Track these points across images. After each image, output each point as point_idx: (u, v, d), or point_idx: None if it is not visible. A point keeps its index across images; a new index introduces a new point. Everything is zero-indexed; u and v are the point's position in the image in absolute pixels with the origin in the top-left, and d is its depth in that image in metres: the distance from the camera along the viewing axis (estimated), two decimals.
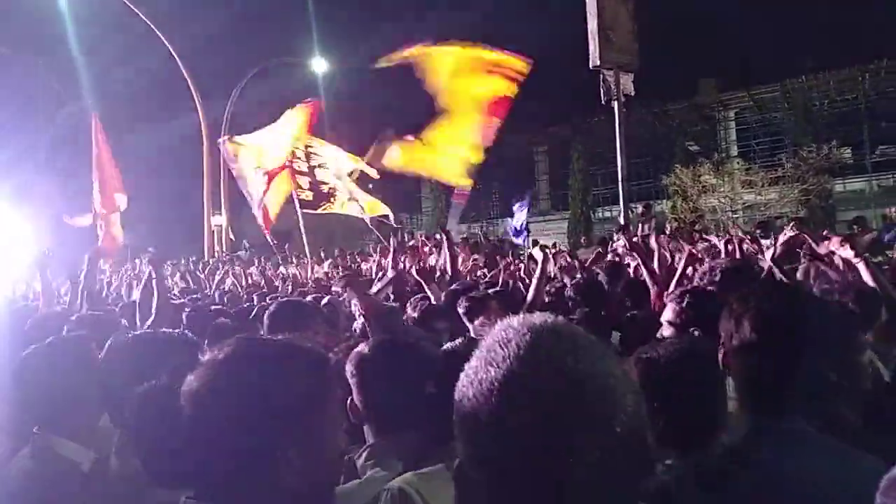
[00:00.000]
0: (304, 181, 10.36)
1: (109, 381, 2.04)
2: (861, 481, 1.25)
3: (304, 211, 10.57)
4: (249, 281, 9.79)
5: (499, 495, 0.76)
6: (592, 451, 0.74)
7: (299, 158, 10.31)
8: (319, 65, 23.26)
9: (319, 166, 10.33)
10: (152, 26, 19.01)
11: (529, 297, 4.01)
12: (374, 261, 8.76)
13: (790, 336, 1.43)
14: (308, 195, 10.38)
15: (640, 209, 14.65)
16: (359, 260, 12.48)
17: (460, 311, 3.75)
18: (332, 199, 10.36)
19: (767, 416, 1.41)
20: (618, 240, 10.58)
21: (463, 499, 0.80)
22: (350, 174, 10.12)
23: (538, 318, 0.83)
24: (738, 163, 24.73)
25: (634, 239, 9.19)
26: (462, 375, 0.81)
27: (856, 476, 1.28)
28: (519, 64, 7.92)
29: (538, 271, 4.11)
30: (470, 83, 7.78)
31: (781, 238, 4.33)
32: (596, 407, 0.75)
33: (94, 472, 2.00)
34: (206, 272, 13.20)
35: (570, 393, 0.75)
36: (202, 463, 1.15)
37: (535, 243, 16.70)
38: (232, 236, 19.99)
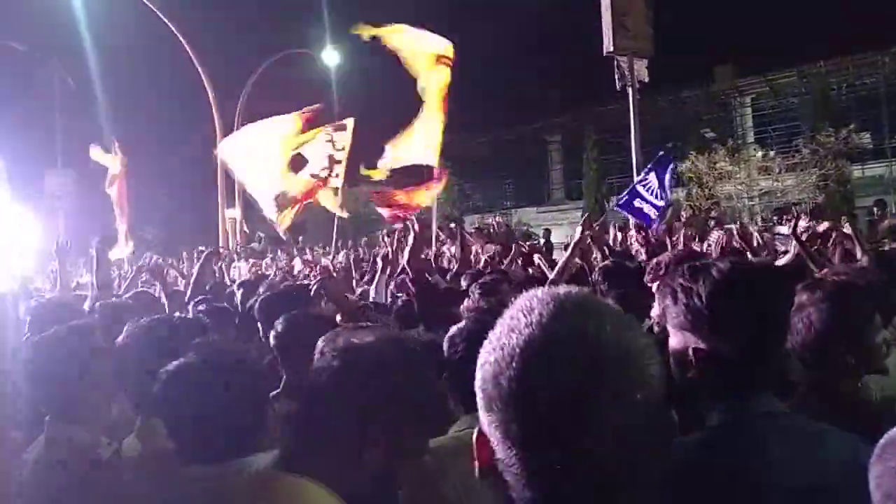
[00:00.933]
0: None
1: (129, 364, 2.05)
2: (828, 461, 1.29)
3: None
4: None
5: (519, 461, 0.75)
6: (613, 420, 0.73)
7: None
8: (331, 56, 23.27)
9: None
10: (167, 22, 19.10)
11: (557, 269, 4.03)
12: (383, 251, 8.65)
13: (747, 314, 1.37)
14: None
15: None
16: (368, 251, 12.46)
17: (475, 295, 3.76)
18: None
19: (736, 399, 1.37)
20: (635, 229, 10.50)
21: (483, 465, 0.79)
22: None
23: (563, 288, 0.83)
24: (754, 149, 24.42)
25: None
26: (485, 342, 0.81)
27: (824, 455, 1.30)
28: (447, 48, 7.54)
29: (571, 247, 4.11)
30: (431, 76, 7.44)
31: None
32: (617, 376, 0.75)
33: (112, 458, 2.01)
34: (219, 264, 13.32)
35: (591, 361, 0.74)
36: (308, 433, 1.27)
37: (549, 231, 16.65)
38: (246, 229, 20.13)
